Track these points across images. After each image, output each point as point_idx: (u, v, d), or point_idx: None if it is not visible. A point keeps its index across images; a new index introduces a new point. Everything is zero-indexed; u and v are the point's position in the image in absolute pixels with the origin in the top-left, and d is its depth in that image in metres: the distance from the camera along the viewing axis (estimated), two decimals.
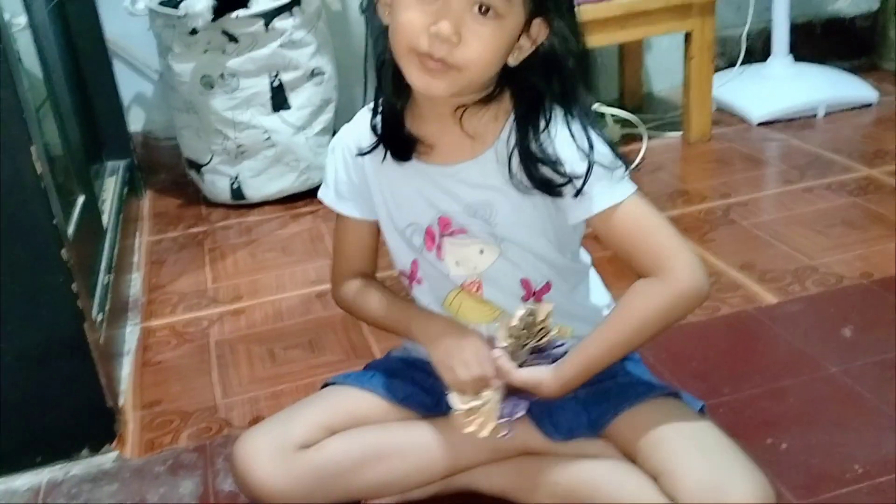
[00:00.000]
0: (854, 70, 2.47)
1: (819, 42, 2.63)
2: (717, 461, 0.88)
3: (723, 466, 0.87)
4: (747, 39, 2.44)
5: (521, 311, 0.94)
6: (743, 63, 2.44)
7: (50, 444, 1.18)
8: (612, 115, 2.21)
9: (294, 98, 2.00)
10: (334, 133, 2.18)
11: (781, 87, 2.34)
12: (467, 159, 0.94)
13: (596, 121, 0.94)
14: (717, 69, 2.36)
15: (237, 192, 2.05)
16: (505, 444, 1.00)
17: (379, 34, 0.92)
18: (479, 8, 0.84)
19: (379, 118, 0.97)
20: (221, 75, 1.94)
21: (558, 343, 0.97)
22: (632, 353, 1.03)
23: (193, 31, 1.90)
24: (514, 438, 0.99)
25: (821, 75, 2.38)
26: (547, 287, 1.00)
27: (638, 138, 2.17)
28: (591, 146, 0.90)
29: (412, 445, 1.00)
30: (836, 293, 1.43)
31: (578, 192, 0.90)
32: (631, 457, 0.94)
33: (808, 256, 1.56)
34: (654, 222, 0.92)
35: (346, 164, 1.02)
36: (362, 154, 0.99)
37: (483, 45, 0.85)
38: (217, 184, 2.06)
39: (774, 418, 1.12)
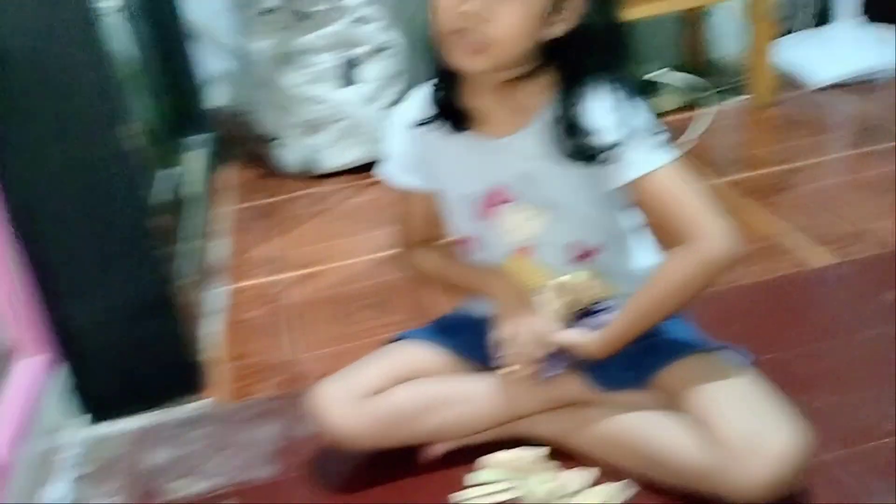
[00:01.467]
0: None
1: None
2: (758, 410, 0.94)
3: (764, 416, 0.93)
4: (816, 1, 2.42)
5: (567, 277, 1.02)
6: (814, 25, 2.43)
7: (149, 393, 1.32)
8: (675, 82, 2.24)
9: (364, 72, 2.10)
10: None
11: (847, 49, 2.32)
12: (515, 131, 1.02)
13: (637, 89, 0.99)
14: (785, 32, 2.36)
15: (310, 164, 2.16)
16: (556, 395, 1.09)
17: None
18: None
19: (437, 93, 1.04)
20: (295, 52, 2.04)
21: (603, 307, 1.05)
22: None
23: (269, 11, 2.01)
24: (566, 390, 1.08)
25: (888, 37, 2.35)
26: (597, 249, 1.07)
27: (702, 104, 2.20)
28: (630, 115, 0.96)
29: (471, 395, 1.09)
30: (884, 258, 1.45)
31: (615, 160, 0.96)
32: (675, 407, 1.01)
33: (863, 221, 1.59)
34: (688, 189, 0.96)
35: (408, 137, 1.10)
36: (421, 125, 1.06)
37: (510, 21, 0.91)
38: (291, 156, 2.18)
39: (810, 377, 1.18)
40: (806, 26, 2.43)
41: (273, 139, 2.20)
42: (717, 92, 2.30)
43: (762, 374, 1.15)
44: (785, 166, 1.87)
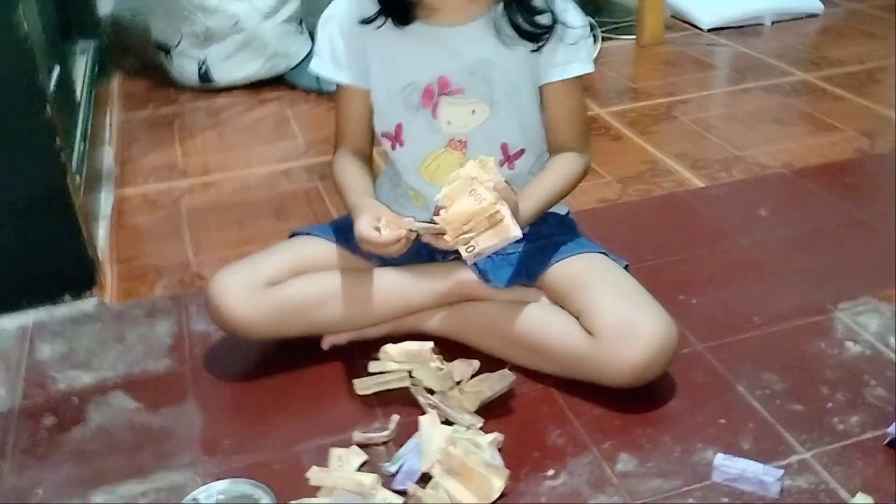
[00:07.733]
0: None
1: None
2: (631, 302, 1.02)
3: (635, 306, 1.01)
4: None
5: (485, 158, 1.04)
6: None
7: (35, 289, 1.29)
8: None
9: None
10: (300, 21, 2.24)
11: None
12: (468, 20, 1.06)
13: None
14: None
15: (205, 76, 2.11)
16: (449, 291, 1.13)
17: None
18: None
19: None
20: None
21: None
22: (567, 219, 1.19)
23: None
24: (459, 286, 1.12)
25: None
26: (520, 153, 1.12)
27: (594, 40, 2.26)
28: (572, 9, 1.06)
29: (367, 289, 1.11)
30: (757, 180, 1.56)
31: (560, 40, 1.05)
32: (560, 301, 1.08)
33: (738, 148, 1.69)
34: (583, 105, 1.12)
35: (343, 33, 1.10)
36: (366, 22, 1.07)
37: None
38: (185, 67, 2.12)
39: (688, 279, 1.27)
40: None
41: (167, 49, 2.12)
42: (609, 29, 2.37)
43: (645, 274, 1.23)
44: (667, 99, 1.96)
